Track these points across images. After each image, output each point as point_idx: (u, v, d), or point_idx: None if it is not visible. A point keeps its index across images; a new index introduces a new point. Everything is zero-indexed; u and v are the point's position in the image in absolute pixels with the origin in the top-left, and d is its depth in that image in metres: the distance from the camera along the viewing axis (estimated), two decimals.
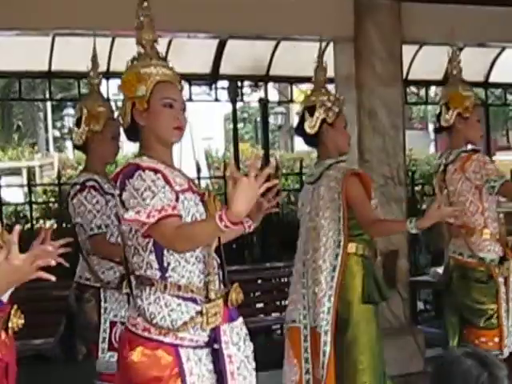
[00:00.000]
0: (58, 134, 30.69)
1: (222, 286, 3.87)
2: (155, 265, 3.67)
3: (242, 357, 3.83)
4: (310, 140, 5.72)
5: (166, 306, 3.67)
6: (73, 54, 8.55)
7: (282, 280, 9.25)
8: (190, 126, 17.14)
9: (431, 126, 33.30)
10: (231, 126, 14.17)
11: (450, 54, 6.58)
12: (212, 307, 3.76)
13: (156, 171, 3.66)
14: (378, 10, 7.78)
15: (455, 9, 8.19)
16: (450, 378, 2.74)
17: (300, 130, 5.64)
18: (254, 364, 3.90)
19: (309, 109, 5.63)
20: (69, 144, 31.56)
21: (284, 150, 29.23)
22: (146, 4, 4.03)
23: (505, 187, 5.84)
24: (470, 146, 6.09)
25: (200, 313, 3.69)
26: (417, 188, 10.39)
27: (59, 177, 10.04)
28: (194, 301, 3.72)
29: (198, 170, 10.37)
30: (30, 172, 20.26)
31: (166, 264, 3.67)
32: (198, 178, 9.92)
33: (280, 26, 7.56)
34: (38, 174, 21.54)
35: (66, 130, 29.81)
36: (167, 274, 3.67)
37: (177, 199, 3.69)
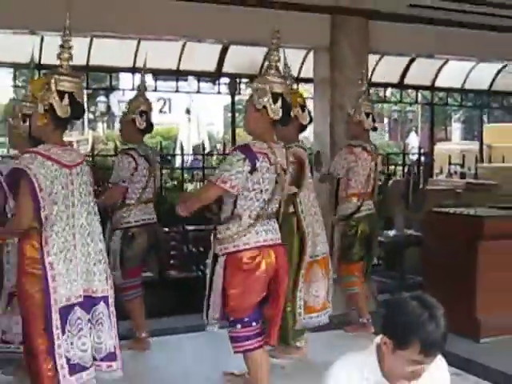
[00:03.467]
0: (91, 116, 30.48)
1: None
2: None
3: None
4: None
5: None
6: (106, 52, 8.52)
7: None
8: (197, 113, 17.12)
9: (386, 120, 33.41)
10: (230, 114, 14.17)
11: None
12: None
13: None
14: (350, 26, 7.76)
15: (411, 27, 8.20)
16: (398, 317, 2.74)
17: None
18: None
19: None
20: (100, 124, 31.41)
21: None
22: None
23: None
24: None
25: None
26: None
27: (93, 149, 10.03)
28: None
29: (203, 148, 10.36)
30: (69, 145, 20.18)
31: None
32: (203, 155, 9.90)
33: (271, 35, 7.51)
34: (75, 148, 21.43)
35: (98, 114, 29.71)
36: None
37: None
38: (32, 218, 3.92)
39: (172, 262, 8.76)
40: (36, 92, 4.05)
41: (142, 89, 6.15)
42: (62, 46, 4.13)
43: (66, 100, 4.00)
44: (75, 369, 3.98)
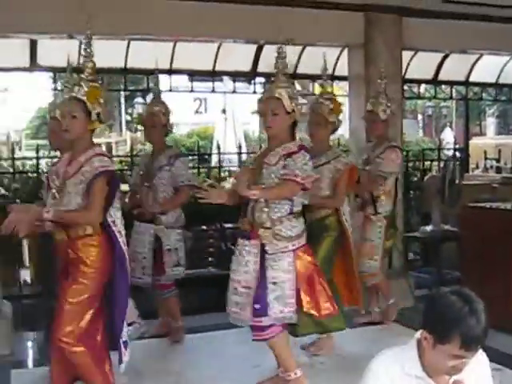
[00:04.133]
0: (129, 118, 30.67)
1: None
2: None
3: None
4: None
5: None
6: (143, 55, 8.55)
7: None
8: (233, 113, 17.10)
9: (420, 116, 33.13)
10: None
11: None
12: None
13: None
14: (384, 23, 7.71)
15: (444, 23, 8.10)
16: (438, 311, 2.72)
17: None
18: None
19: None
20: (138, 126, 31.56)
21: (304, 132, 29.11)
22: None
23: None
24: None
25: None
26: (410, 164, 10.34)
27: (131, 150, 10.10)
28: None
29: (240, 147, 10.37)
30: (108, 147, 20.37)
31: None
32: (239, 153, 9.91)
33: (305, 34, 7.51)
34: (114, 149, 21.59)
35: (135, 115, 29.86)
36: None
37: None
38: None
39: (210, 259, 8.78)
40: (91, 100, 4.25)
41: (156, 92, 6.30)
42: (84, 56, 4.40)
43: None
44: None
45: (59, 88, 8.52)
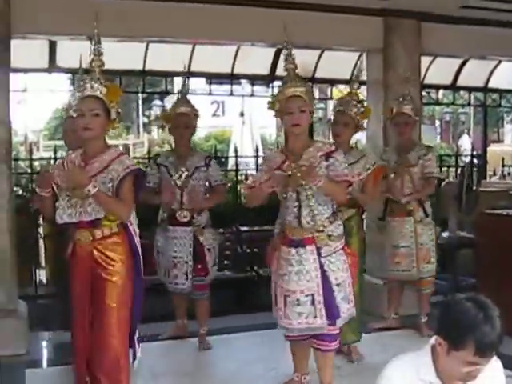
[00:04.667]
0: (146, 120, 30.74)
1: None
2: None
3: None
4: None
5: None
6: (161, 57, 8.58)
7: None
8: (250, 116, 17.09)
9: (437, 122, 33.02)
10: None
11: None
12: None
13: None
14: (403, 28, 7.69)
15: (463, 29, 8.07)
16: (452, 318, 2.72)
17: None
18: None
19: None
20: (154, 127, 31.67)
21: (322, 136, 29.09)
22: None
23: None
24: None
25: None
26: None
27: (149, 152, 10.11)
28: None
29: (257, 150, 10.38)
30: (126, 148, 20.44)
31: None
32: (256, 157, 9.92)
33: (324, 38, 7.52)
34: (132, 150, 21.66)
35: (152, 117, 29.92)
36: None
37: None
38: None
39: (225, 262, 8.79)
40: (111, 98, 4.21)
41: (184, 92, 6.32)
42: (94, 54, 4.26)
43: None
44: None
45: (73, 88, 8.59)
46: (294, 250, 4.59)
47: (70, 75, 8.98)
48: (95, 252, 4.20)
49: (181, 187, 5.94)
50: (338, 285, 4.58)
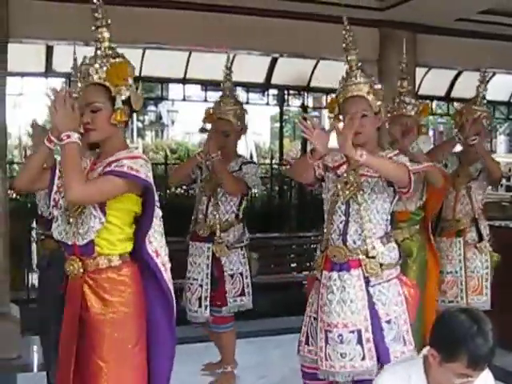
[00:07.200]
0: (140, 125, 30.80)
1: None
2: None
3: None
4: None
5: None
6: (158, 63, 8.60)
7: (311, 246, 9.30)
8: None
9: (431, 132, 33.10)
10: (275, 124, 14.19)
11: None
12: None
13: None
14: (398, 39, 7.69)
15: (458, 41, 8.11)
16: (446, 330, 2.72)
17: None
18: None
19: None
20: (148, 133, 31.68)
21: None
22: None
23: None
24: None
25: None
26: None
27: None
28: None
29: (251, 157, 10.39)
30: None
31: None
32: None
33: (319, 48, 7.55)
34: None
35: (146, 123, 29.96)
36: None
37: None
38: None
39: None
40: (116, 81, 3.15)
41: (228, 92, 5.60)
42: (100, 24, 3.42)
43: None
44: None
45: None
46: (335, 275, 3.72)
47: (66, 80, 8.98)
48: (86, 289, 3.09)
49: (208, 196, 5.03)
50: (388, 322, 3.68)
